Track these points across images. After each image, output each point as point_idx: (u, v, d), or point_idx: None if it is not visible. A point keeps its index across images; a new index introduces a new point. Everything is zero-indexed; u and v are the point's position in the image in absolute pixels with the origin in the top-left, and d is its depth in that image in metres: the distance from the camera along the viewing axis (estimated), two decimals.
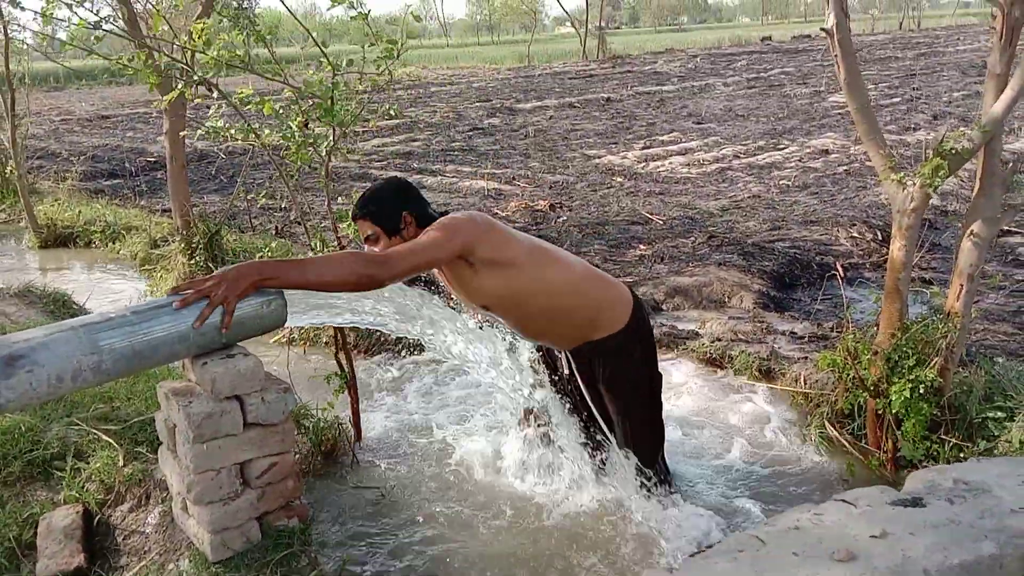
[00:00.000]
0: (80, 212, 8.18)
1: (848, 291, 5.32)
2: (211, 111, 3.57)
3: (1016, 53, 2.92)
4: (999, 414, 3.08)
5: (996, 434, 3.05)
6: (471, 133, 12.79)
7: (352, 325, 2.79)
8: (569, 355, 2.95)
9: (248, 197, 7.57)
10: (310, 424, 3.41)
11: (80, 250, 7.77)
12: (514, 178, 9.27)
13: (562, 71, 22.41)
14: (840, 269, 5.43)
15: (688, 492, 3.12)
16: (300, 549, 2.49)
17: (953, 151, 2.93)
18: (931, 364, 3.09)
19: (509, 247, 2.70)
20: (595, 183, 8.87)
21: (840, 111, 12.25)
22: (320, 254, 3.55)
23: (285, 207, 8.06)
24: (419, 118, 14.36)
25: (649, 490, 2.95)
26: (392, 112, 3.53)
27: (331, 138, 3.41)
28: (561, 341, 2.94)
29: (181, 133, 5.31)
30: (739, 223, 6.84)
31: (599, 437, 3.06)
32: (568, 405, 3.06)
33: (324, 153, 3.41)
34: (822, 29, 3.16)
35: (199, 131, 3.59)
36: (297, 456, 3.25)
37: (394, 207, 2.72)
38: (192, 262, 5.56)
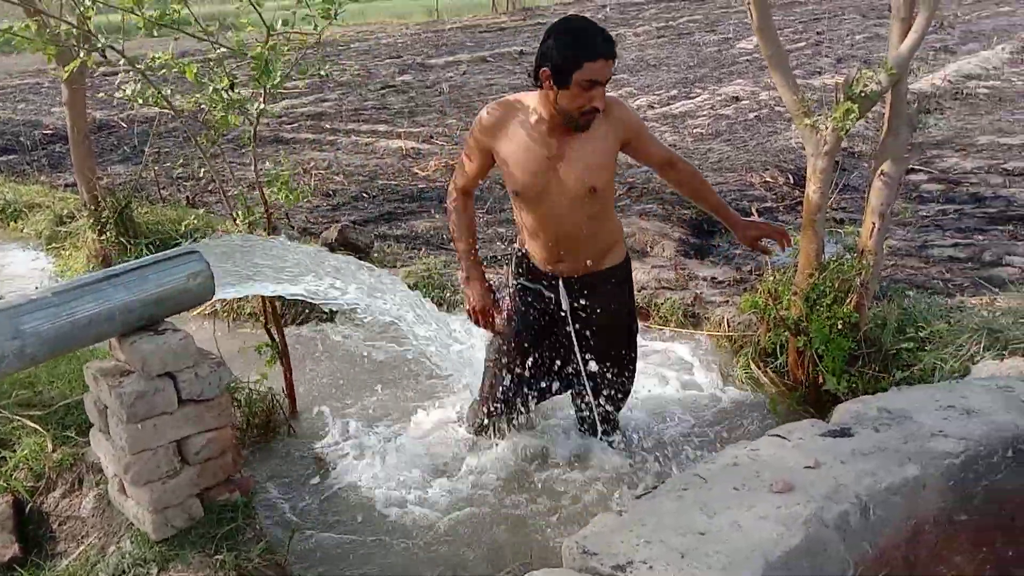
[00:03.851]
0: None
1: None
2: (119, 78, 3.43)
3: None
4: (911, 344, 3.25)
5: (909, 363, 3.22)
6: (384, 91, 12.53)
7: (291, 296, 2.76)
8: (566, 293, 2.86)
9: (156, 167, 7.29)
10: (242, 397, 3.35)
11: None
12: (432, 136, 9.16)
13: (472, 24, 22.07)
14: (756, 214, 5.60)
15: (627, 436, 3.21)
16: (245, 523, 2.47)
17: (863, 94, 3.04)
18: (848, 301, 3.23)
19: None
20: None
21: (748, 57, 12.46)
22: (246, 221, 3.46)
23: (196, 176, 7.80)
24: (328, 77, 13.98)
25: (608, 435, 3.09)
26: (323, 73, 3.46)
27: (260, 100, 3.32)
28: (588, 254, 2.82)
29: (82, 102, 5.06)
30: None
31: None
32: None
33: (255, 116, 3.32)
34: None
35: (116, 94, 3.43)
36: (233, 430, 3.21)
37: None
38: (102, 238, 5.34)
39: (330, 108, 11.37)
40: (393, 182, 7.43)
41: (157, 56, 3.27)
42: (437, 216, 6.28)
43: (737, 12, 18.73)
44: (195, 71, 3.22)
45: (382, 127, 9.85)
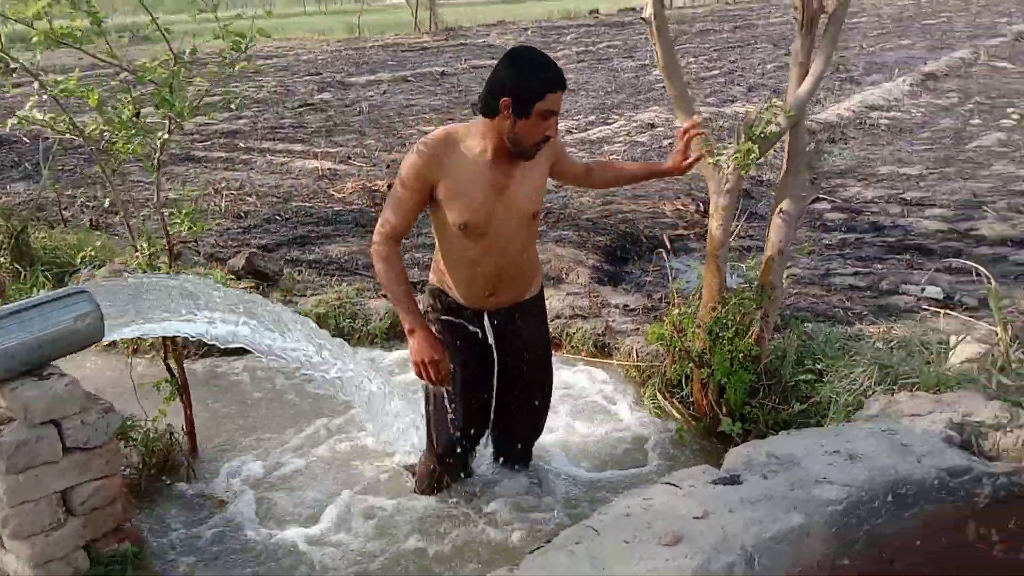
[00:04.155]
0: None
1: (675, 261, 5.61)
2: (30, 102, 3.29)
3: (816, 41, 3.14)
4: (809, 376, 3.35)
5: (808, 395, 3.31)
6: (301, 109, 12.37)
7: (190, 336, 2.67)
8: (491, 325, 2.83)
9: (58, 186, 7.01)
10: (138, 436, 3.23)
11: None
12: (349, 157, 9.06)
13: (394, 43, 22.05)
14: (667, 242, 5.71)
15: (533, 477, 3.21)
16: (136, 574, 2.38)
17: (762, 135, 3.13)
18: (748, 335, 3.32)
19: None
20: None
21: (662, 84, 12.77)
22: (146, 253, 3.35)
23: (100, 196, 7.53)
24: (245, 94, 13.73)
25: (524, 466, 3.15)
26: (233, 106, 3.40)
27: (165, 129, 3.23)
28: (521, 283, 2.84)
29: None
30: (573, 199, 7.02)
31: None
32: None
33: (159, 144, 3.23)
34: (641, 19, 3.27)
35: (18, 113, 3.29)
36: (127, 470, 3.09)
37: None
38: None
39: (245, 126, 11.16)
40: (308, 204, 7.32)
41: (60, 81, 3.16)
42: (352, 240, 6.21)
43: None
44: (97, 97, 3.12)
45: (298, 146, 9.71)
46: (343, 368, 2.93)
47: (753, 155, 3.13)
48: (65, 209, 6.98)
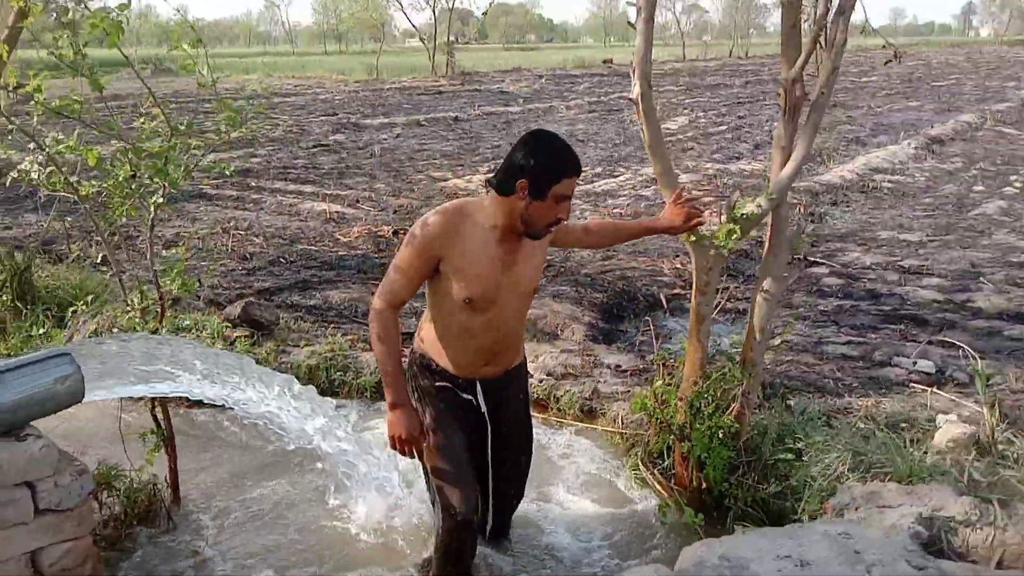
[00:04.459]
0: None
1: (671, 320, 5.64)
2: (27, 160, 3.41)
3: (799, 126, 3.21)
4: (789, 455, 3.35)
5: (786, 474, 3.31)
6: (315, 150, 12.56)
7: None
8: (484, 393, 2.83)
9: (68, 220, 7.10)
10: (121, 486, 3.26)
11: None
12: (358, 200, 9.18)
13: (411, 86, 22.42)
14: (664, 301, 5.74)
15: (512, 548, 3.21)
16: None
17: (744, 216, 3.19)
18: (729, 411, 3.33)
19: None
20: None
21: (671, 138, 12.89)
22: (137, 307, 3.43)
23: (111, 231, 7.63)
24: (260, 132, 13.94)
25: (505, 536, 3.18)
26: (227, 172, 3.54)
27: (160, 193, 3.32)
28: (514, 352, 2.88)
29: None
30: (573, 253, 7.08)
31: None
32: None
33: (152, 208, 3.32)
34: (628, 99, 3.35)
35: (10, 175, 3.43)
36: (109, 522, 3.13)
37: None
38: None
39: (258, 164, 11.32)
40: (313, 247, 7.40)
41: (60, 140, 3.27)
42: (353, 286, 6.27)
43: (665, 90, 19.40)
44: (97, 156, 3.22)
45: (309, 188, 9.84)
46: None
47: (735, 235, 3.18)
48: (74, 242, 7.08)
